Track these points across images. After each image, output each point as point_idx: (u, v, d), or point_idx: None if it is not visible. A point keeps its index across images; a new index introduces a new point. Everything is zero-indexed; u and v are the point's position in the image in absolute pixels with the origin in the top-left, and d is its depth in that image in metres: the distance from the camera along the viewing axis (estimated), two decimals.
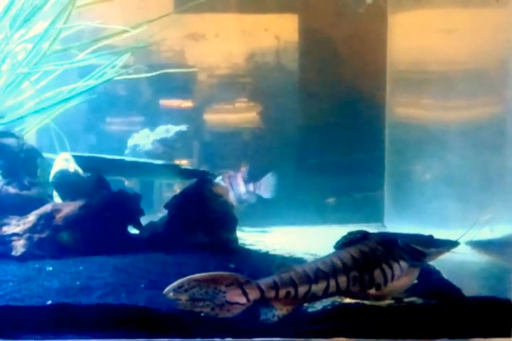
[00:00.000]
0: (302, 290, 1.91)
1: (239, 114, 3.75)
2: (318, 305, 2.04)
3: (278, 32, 3.68)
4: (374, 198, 3.64)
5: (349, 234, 2.07)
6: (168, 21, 3.21)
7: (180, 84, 3.61)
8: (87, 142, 3.53)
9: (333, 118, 3.66)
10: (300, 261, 2.53)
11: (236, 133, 3.74)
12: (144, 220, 2.78)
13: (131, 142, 3.41)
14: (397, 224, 3.37)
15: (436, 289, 2.19)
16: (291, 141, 3.68)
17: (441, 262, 2.27)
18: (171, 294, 1.85)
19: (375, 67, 3.62)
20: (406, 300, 2.08)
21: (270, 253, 2.72)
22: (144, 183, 3.46)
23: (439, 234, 2.17)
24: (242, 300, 1.88)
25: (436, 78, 3.04)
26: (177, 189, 3.37)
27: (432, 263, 2.24)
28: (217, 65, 3.71)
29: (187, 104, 3.73)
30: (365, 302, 2.04)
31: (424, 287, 2.15)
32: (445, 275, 2.32)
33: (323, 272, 1.95)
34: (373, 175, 3.60)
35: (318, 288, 1.93)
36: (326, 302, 2.05)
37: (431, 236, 2.16)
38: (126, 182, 3.32)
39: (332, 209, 3.63)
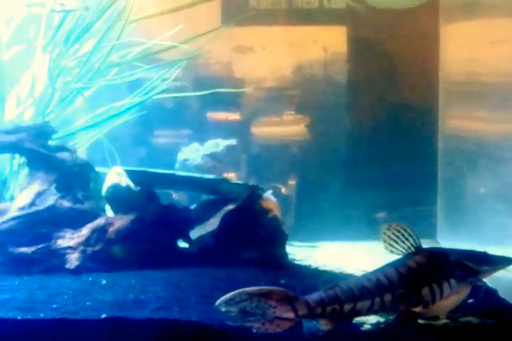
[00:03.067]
0: (347, 307, 1.90)
1: (286, 127, 3.74)
2: (370, 321, 2.02)
3: (326, 44, 3.67)
4: (426, 213, 3.56)
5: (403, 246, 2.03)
6: (215, 34, 3.25)
7: (227, 97, 3.63)
8: (137, 156, 3.58)
9: (384, 131, 3.61)
10: (350, 277, 2.50)
11: (284, 146, 3.73)
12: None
13: (181, 156, 3.44)
14: (450, 241, 3.29)
15: (493, 308, 2.13)
16: (340, 154, 3.65)
17: (497, 280, 2.21)
18: (222, 306, 1.86)
19: (427, 79, 3.58)
20: (462, 319, 2.03)
21: (320, 268, 2.69)
22: (191, 196, 3.49)
23: (495, 250, 2.11)
24: (291, 315, 1.88)
25: (491, 90, 2.98)
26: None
27: (486, 280, 2.19)
28: (265, 78, 3.71)
29: (234, 117, 3.74)
30: (420, 321, 2.00)
31: (480, 306, 2.10)
32: (501, 294, 2.26)
33: (368, 289, 1.93)
34: (426, 189, 3.54)
35: (363, 305, 1.91)
36: (378, 319, 2.03)
37: (485, 253, 2.09)
38: (174, 195, 3.35)
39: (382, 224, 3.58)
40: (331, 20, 3.65)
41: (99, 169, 2.91)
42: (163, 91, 3.18)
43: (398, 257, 2.03)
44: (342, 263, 2.77)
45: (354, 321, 1.99)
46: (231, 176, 3.47)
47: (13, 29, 3.08)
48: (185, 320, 1.90)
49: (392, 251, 2.04)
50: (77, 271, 2.47)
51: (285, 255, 2.71)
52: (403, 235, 2.03)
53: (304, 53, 3.67)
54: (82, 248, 2.53)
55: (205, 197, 3.45)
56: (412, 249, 2.01)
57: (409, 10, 3.56)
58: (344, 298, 1.90)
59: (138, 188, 2.70)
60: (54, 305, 2.03)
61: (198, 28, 3.29)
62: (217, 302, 1.88)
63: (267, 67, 3.69)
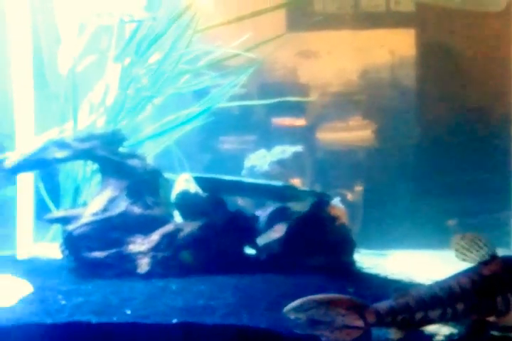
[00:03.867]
0: (418, 316, 1.85)
1: (353, 133, 3.71)
2: (442, 332, 1.98)
3: (394, 47, 3.62)
4: (500, 220, 3.45)
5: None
6: (280, 39, 3.26)
7: (293, 103, 3.62)
8: (204, 162, 3.62)
9: (455, 137, 3.53)
10: (420, 286, 2.45)
11: (350, 152, 3.70)
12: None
13: (247, 163, 3.47)
14: None
15: None
16: (409, 160, 3.59)
17: None
18: (290, 313, 1.86)
19: (500, 84, 3.47)
20: None
21: (389, 277, 2.65)
22: (256, 202, 3.50)
23: None
24: (361, 324, 1.85)
25: None
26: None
27: None
28: (330, 83, 3.70)
29: (300, 122, 3.74)
30: (494, 333, 1.94)
31: None
32: None
33: (440, 298, 1.87)
34: (499, 195, 3.42)
35: (434, 314, 1.86)
36: (452, 330, 1.98)
37: None
38: (239, 201, 3.37)
39: (454, 232, 3.49)
40: (399, 24, 3.61)
41: (167, 175, 2.97)
42: (231, 99, 3.22)
43: (470, 266, 1.97)
44: (412, 272, 2.71)
45: (426, 331, 1.95)
46: (298, 183, 3.47)
47: (86, 40, 3.18)
48: (254, 326, 1.91)
49: (464, 260, 1.98)
50: (147, 276, 2.52)
51: (353, 263, 2.69)
52: (477, 244, 1.97)
53: (371, 57, 3.64)
54: (152, 253, 2.58)
55: (269, 203, 3.50)
56: (487, 256, 1.95)
57: (479, 12, 3.47)
58: (415, 306, 1.86)
59: (206, 195, 2.74)
60: (127, 309, 2.08)
61: (263, 34, 3.31)
62: (285, 309, 1.88)
63: (333, 72, 3.67)
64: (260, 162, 3.44)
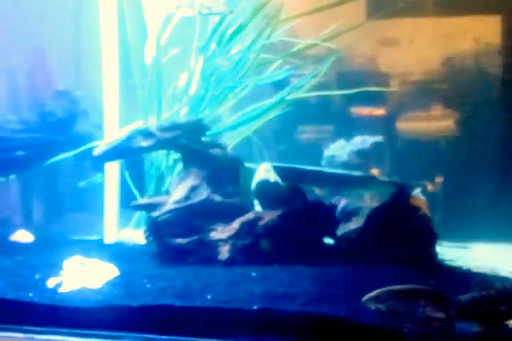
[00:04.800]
0: (502, 308, 1.82)
1: (434, 122, 3.63)
2: None
3: (478, 34, 3.51)
4: None
5: None
6: (360, 28, 3.23)
7: (372, 92, 3.58)
8: (283, 152, 3.64)
9: None
10: (504, 279, 2.40)
11: (431, 142, 3.62)
12: None
13: (327, 153, 3.46)
14: None
15: None
16: (491, 150, 3.48)
17: None
18: (370, 303, 1.87)
19: None
20: None
21: (471, 270, 2.59)
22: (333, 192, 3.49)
23: None
24: (442, 316, 1.84)
25: None
26: (368, 200, 3.36)
27: None
28: (411, 71, 3.62)
29: (380, 112, 3.69)
30: None
31: None
32: None
33: None
34: None
35: None
36: None
37: None
38: (316, 191, 3.37)
39: None
40: (484, 10, 3.49)
41: (247, 165, 3.01)
42: (310, 89, 3.22)
43: None
44: (495, 265, 2.65)
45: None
46: (377, 173, 3.44)
47: (171, 31, 3.26)
48: (333, 315, 1.92)
49: None
50: (228, 263, 2.57)
51: (435, 255, 2.64)
52: None
53: (454, 45, 3.54)
54: (232, 241, 2.63)
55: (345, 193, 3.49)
56: None
57: None
58: (499, 298, 1.83)
59: (286, 184, 2.76)
60: (208, 295, 2.13)
61: (343, 22, 3.29)
62: (365, 298, 1.89)
63: (414, 60, 3.60)
64: (340, 152, 3.43)
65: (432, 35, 3.52)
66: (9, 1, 3.55)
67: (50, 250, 2.88)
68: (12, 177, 3.43)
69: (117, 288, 2.24)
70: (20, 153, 3.18)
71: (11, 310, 2.11)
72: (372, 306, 1.86)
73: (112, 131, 3.16)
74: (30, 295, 2.16)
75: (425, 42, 3.53)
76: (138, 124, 3.22)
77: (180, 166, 3.15)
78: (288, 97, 3.18)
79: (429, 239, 2.63)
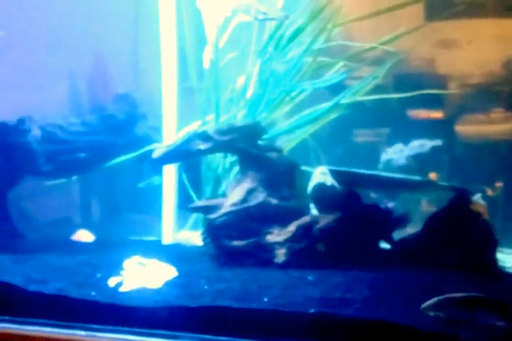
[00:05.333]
0: None
1: (495, 126, 3.55)
2: None
3: None
4: None
5: None
6: (418, 30, 3.19)
7: (430, 95, 3.53)
8: (339, 155, 3.63)
9: None
10: None
11: (491, 146, 3.54)
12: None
13: (384, 156, 3.44)
14: None
15: None
16: None
17: None
18: (429, 310, 1.85)
19: None
20: None
21: None
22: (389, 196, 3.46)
23: None
24: (503, 324, 1.81)
25: None
26: (425, 205, 3.32)
27: None
28: (470, 73, 3.56)
29: (438, 115, 3.64)
30: None
31: None
32: None
33: None
34: None
35: None
36: None
37: None
38: (372, 195, 3.35)
39: None
40: None
41: (303, 168, 3.01)
42: (367, 92, 3.21)
43: None
44: None
45: None
46: (436, 178, 3.40)
47: (228, 35, 3.30)
48: (391, 321, 1.91)
49: None
50: (284, 266, 2.58)
51: (495, 261, 2.59)
52: None
53: None
54: (289, 244, 2.64)
55: (402, 197, 3.45)
56: None
57: None
58: None
59: (342, 188, 2.75)
60: (265, 297, 2.15)
61: (400, 24, 3.26)
62: (424, 305, 1.88)
63: (473, 62, 3.54)
64: (397, 156, 3.40)
65: (492, 36, 3.45)
66: (70, 6, 3.66)
67: (110, 250, 2.95)
68: (74, 178, 3.53)
69: (176, 289, 2.29)
70: (82, 154, 3.27)
71: (74, 308, 2.18)
72: (432, 313, 1.85)
73: (170, 134, 3.22)
74: (93, 293, 2.22)
75: (485, 44, 3.46)
76: (196, 125, 3.27)
77: (236, 169, 3.19)
78: (346, 100, 3.17)
79: (490, 245, 2.57)
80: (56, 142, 3.22)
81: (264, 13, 2.84)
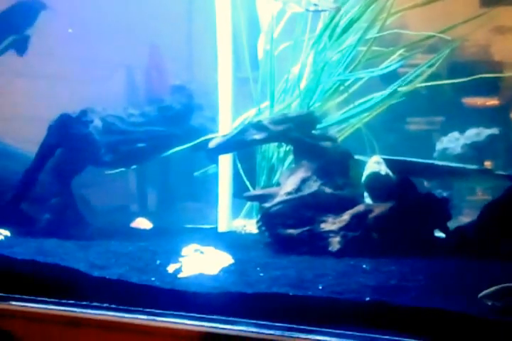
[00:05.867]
0: None
1: None
2: None
3: None
4: None
5: None
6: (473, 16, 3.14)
7: (485, 82, 3.46)
8: (393, 144, 3.61)
9: None
10: None
11: None
12: None
13: (439, 145, 3.41)
14: None
15: None
16: None
17: None
18: (487, 299, 1.84)
19: None
20: None
21: None
22: (441, 184, 3.42)
23: None
24: None
25: None
26: (480, 193, 3.28)
27: None
28: None
29: (494, 102, 3.58)
30: None
31: None
32: None
33: None
34: None
35: None
36: None
37: None
38: (425, 183, 3.33)
39: None
40: None
41: (357, 157, 3.02)
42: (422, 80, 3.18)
43: None
44: None
45: None
46: (493, 166, 3.35)
47: (282, 25, 3.32)
48: (448, 309, 1.91)
49: None
50: (338, 254, 2.61)
51: None
52: None
53: None
54: (343, 232, 2.66)
55: (456, 186, 3.41)
56: None
57: None
58: None
59: (397, 177, 2.75)
60: (320, 285, 2.18)
61: (455, 11, 3.21)
62: (482, 294, 1.87)
63: None
64: (453, 145, 3.37)
65: None
66: (125, 0, 3.74)
67: (167, 237, 3.03)
68: (132, 167, 3.63)
69: (232, 276, 2.33)
70: (140, 145, 3.36)
71: (135, 293, 2.25)
72: (489, 302, 1.84)
73: (226, 124, 3.27)
74: (153, 279, 2.29)
75: None
76: (250, 114, 3.31)
77: (290, 158, 3.22)
78: (402, 89, 3.15)
79: None
80: (116, 133, 3.32)
81: (315, 5, 2.85)
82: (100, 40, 3.75)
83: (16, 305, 2.34)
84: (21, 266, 2.44)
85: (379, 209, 2.70)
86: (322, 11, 2.94)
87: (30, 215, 3.14)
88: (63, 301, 2.31)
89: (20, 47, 3.50)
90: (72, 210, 3.22)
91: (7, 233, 2.85)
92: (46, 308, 2.30)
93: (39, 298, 2.34)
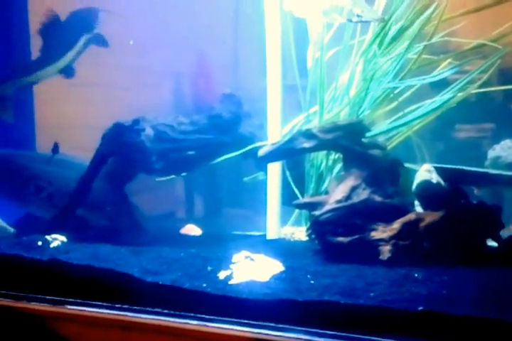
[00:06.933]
0: None
1: None
2: None
3: None
4: None
5: None
6: None
7: None
8: (443, 152, 3.58)
9: None
10: None
11: None
12: None
13: (491, 153, 3.36)
14: None
15: None
16: None
17: None
18: None
19: None
20: None
21: None
22: (493, 193, 3.37)
23: None
24: None
25: None
26: None
27: None
28: None
29: None
30: None
31: None
32: None
33: None
34: None
35: None
36: None
37: None
38: (475, 191, 3.28)
39: None
40: None
41: (407, 166, 3.00)
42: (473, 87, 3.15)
43: None
44: None
45: None
46: None
47: (332, 33, 3.33)
48: (502, 319, 1.89)
49: None
50: (389, 263, 2.59)
51: None
52: None
53: None
54: (393, 241, 2.64)
55: (507, 194, 3.35)
56: None
57: None
58: None
59: (448, 185, 2.73)
60: (372, 293, 2.17)
61: (504, 18, 3.17)
62: None
63: None
64: (506, 153, 3.31)
65: None
66: (175, 7, 3.79)
67: (217, 244, 3.06)
68: (182, 175, 3.68)
69: (283, 283, 2.35)
70: (190, 152, 3.41)
71: (187, 298, 2.29)
72: None
73: (275, 132, 3.29)
74: (204, 285, 2.33)
75: None
76: (298, 122, 3.32)
77: (339, 166, 3.22)
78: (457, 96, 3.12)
79: None
80: (167, 141, 3.38)
81: (359, 16, 2.83)
82: (150, 49, 3.82)
83: (71, 308, 2.40)
84: (77, 271, 2.50)
85: (430, 217, 2.68)
86: (365, 22, 2.93)
87: (85, 221, 3.22)
88: (117, 305, 2.36)
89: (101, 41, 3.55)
90: (127, 217, 3.29)
91: (64, 239, 2.92)
92: (100, 312, 2.36)
93: (94, 303, 2.40)
